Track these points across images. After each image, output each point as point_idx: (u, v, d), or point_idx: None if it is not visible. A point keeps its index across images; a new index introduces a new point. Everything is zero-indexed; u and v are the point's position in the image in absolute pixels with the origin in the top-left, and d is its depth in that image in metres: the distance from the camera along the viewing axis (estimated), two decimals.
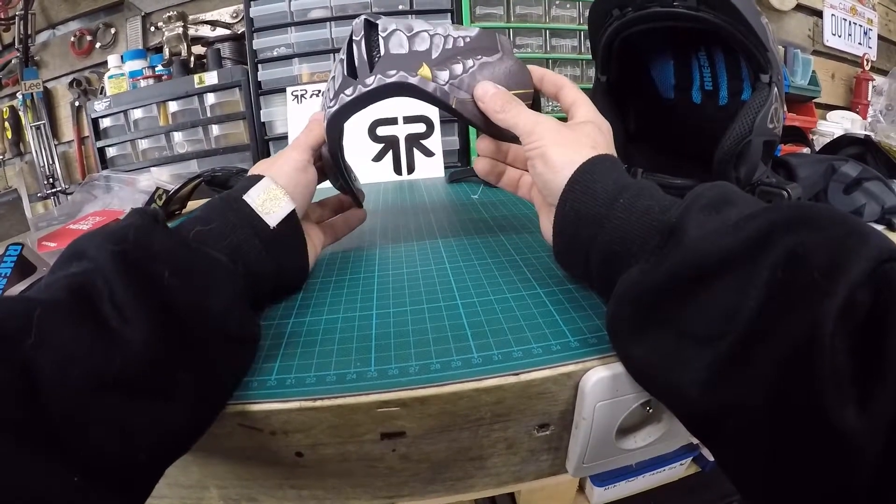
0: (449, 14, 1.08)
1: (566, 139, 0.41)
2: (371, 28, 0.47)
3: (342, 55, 0.47)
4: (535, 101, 0.50)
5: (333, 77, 0.48)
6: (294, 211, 0.43)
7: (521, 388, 0.34)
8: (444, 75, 0.46)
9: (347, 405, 0.33)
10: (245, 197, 0.41)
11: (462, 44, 0.48)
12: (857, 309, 0.23)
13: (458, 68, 0.47)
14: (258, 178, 0.43)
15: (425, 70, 0.46)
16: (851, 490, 0.22)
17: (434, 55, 0.47)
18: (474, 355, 0.35)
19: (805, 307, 0.23)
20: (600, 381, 0.34)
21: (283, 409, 0.33)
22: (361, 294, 0.46)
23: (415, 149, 1.02)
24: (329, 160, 0.50)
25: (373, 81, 0.45)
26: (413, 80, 0.45)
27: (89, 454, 0.24)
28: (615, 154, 0.42)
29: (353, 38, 0.46)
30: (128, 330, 0.27)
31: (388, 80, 0.45)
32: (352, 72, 0.46)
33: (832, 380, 0.22)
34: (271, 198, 0.42)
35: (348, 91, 0.45)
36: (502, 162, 0.51)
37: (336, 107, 0.46)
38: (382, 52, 0.46)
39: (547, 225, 0.43)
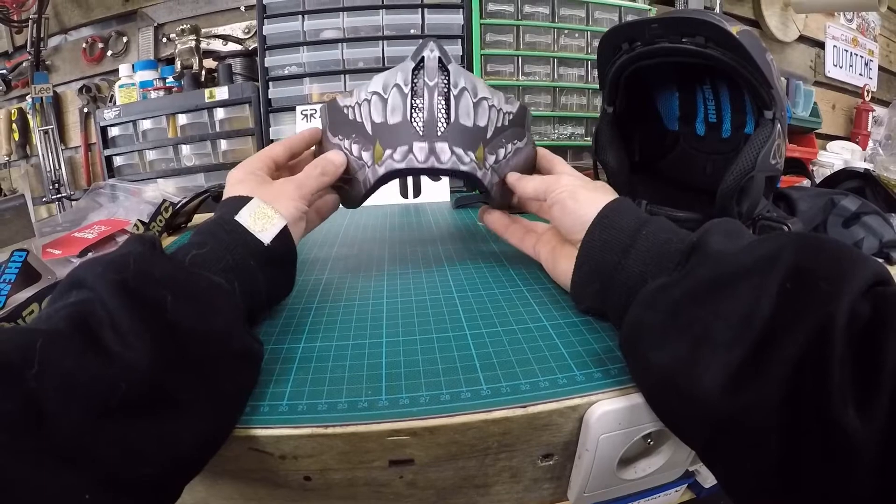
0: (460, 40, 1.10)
1: (589, 186, 0.47)
2: (443, 71, 0.47)
3: (404, 84, 0.47)
4: None
5: (385, 100, 0.47)
6: (286, 227, 0.43)
7: (527, 419, 0.35)
8: (490, 159, 0.48)
9: (358, 433, 0.33)
10: (237, 217, 0.41)
11: (507, 121, 0.50)
12: (858, 319, 0.25)
13: (501, 153, 0.50)
14: (247, 199, 0.43)
15: (480, 152, 0.47)
16: (851, 492, 0.23)
17: (489, 133, 0.48)
18: (483, 387, 0.36)
19: (814, 311, 0.26)
20: (604, 414, 0.35)
21: (295, 434, 0.33)
22: (371, 321, 0.46)
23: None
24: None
25: (440, 156, 0.46)
26: (477, 173, 0.48)
27: (98, 476, 0.25)
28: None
29: (427, 79, 0.46)
30: (131, 355, 0.27)
31: (459, 167, 0.47)
32: (413, 122, 0.46)
33: (838, 384, 0.23)
34: (263, 217, 0.42)
35: (406, 147, 0.46)
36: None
37: (397, 166, 0.47)
38: (452, 116, 0.46)
39: (561, 266, 0.47)
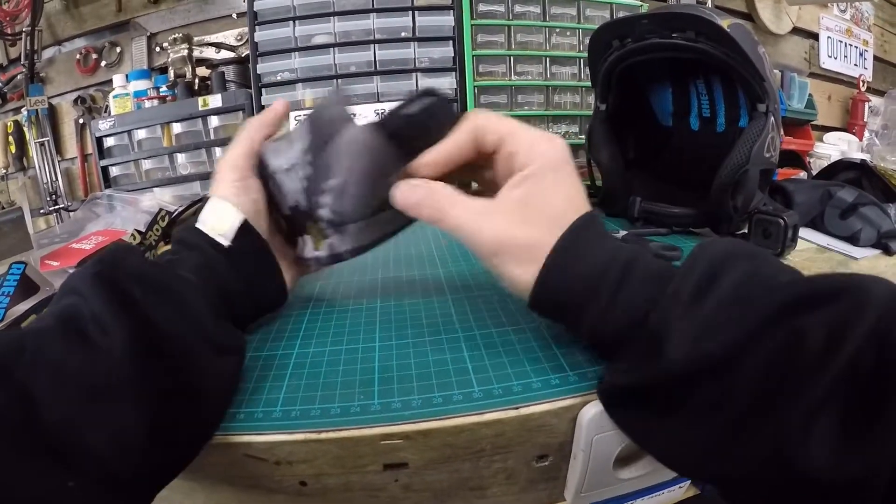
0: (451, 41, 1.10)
1: (518, 240, 0.35)
2: None
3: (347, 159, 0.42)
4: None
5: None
6: (247, 222, 0.42)
7: (520, 421, 0.35)
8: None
9: (352, 437, 0.33)
10: (198, 225, 0.41)
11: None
12: (861, 374, 0.23)
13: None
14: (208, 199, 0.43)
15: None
16: None
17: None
18: (475, 389, 0.36)
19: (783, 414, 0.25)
20: (598, 414, 0.35)
21: (289, 440, 0.33)
22: (364, 325, 0.46)
23: None
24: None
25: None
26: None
27: (84, 463, 0.26)
28: (583, 194, 0.38)
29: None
30: (108, 340, 0.29)
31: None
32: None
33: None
34: (220, 215, 0.41)
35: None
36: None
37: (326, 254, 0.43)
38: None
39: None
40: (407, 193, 0.38)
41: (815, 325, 0.25)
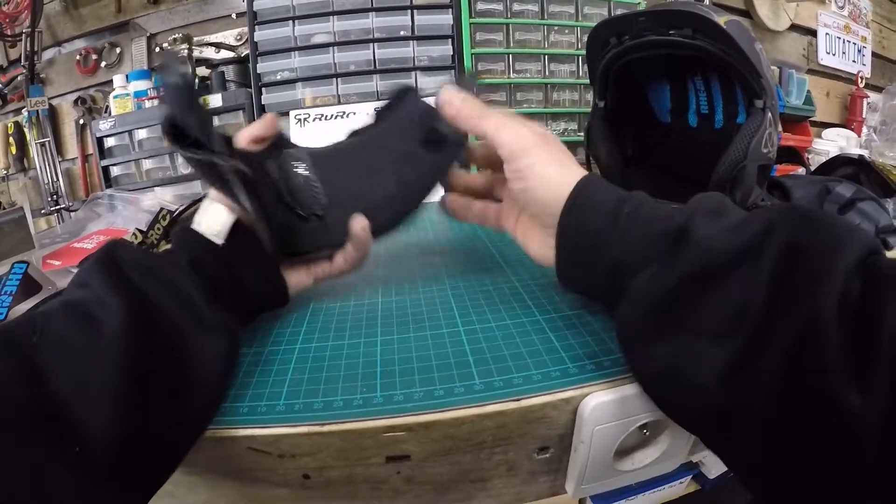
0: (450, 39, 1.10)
1: (557, 157, 0.40)
2: None
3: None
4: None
5: None
6: (239, 222, 0.42)
7: (521, 413, 0.35)
8: None
9: (355, 430, 0.34)
10: (193, 225, 0.42)
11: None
12: (852, 296, 0.25)
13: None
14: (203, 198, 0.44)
15: None
16: (855, 476, 0.23)
17: None
18: (476, 382, 0.36)
19: (807, 295, 0.26)
20: (598, 405, 0.35)
21: (292, 433, 0.34)
22: (366, 319, 0.47)
23: None
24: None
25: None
26: None
27: (88, 441, 0.27)
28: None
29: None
30: (109, 316, 0.31)
31: None
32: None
33: (836, 363, 0.23)
34: (213, 216, 0.42)
35: None
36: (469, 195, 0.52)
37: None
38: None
39: (539, 247, 0.43)
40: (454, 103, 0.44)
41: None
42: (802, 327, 0.25)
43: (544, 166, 0.40)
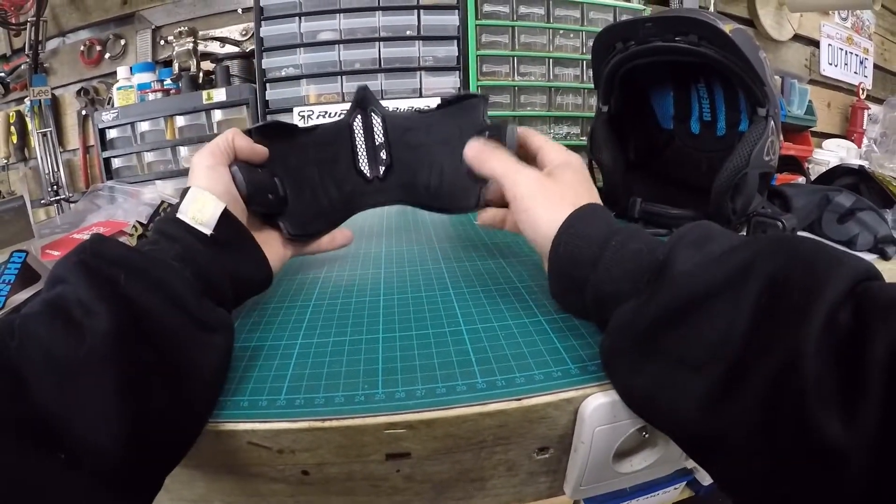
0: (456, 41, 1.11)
1: (549, 193, 0.42)
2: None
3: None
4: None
5: None
6: (227, 210, 0.42)
7: (522, 412, 0.35)
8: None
9: (355, 426, 0.34)
10: (179, 215, 0.41)
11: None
12: (839, 327, 0.24)
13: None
14: (187, 189, 0.42)
15: None
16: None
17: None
18: (478, 380, 0.36)
19: (788, 329, 0.25)
20: (599, 406, 0.35)
21: (293, 428, 0.34)
22: (368, 317, 0.47)
23: None
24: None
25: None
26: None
27: (71, 444, 0.26)
28: (597, 194, 0.45)
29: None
30: (92, 322, 0.29)
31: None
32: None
33: (818, 397, 0.23)
34: (201, 205, 0.41)
35: None
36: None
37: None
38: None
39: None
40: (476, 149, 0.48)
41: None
42: (783, 359, 0.25)
43: (536, 210, 0.42)
